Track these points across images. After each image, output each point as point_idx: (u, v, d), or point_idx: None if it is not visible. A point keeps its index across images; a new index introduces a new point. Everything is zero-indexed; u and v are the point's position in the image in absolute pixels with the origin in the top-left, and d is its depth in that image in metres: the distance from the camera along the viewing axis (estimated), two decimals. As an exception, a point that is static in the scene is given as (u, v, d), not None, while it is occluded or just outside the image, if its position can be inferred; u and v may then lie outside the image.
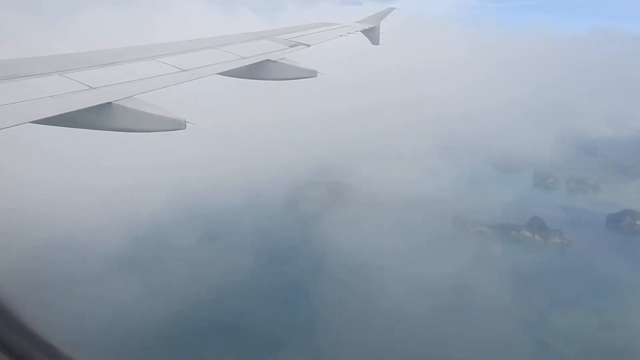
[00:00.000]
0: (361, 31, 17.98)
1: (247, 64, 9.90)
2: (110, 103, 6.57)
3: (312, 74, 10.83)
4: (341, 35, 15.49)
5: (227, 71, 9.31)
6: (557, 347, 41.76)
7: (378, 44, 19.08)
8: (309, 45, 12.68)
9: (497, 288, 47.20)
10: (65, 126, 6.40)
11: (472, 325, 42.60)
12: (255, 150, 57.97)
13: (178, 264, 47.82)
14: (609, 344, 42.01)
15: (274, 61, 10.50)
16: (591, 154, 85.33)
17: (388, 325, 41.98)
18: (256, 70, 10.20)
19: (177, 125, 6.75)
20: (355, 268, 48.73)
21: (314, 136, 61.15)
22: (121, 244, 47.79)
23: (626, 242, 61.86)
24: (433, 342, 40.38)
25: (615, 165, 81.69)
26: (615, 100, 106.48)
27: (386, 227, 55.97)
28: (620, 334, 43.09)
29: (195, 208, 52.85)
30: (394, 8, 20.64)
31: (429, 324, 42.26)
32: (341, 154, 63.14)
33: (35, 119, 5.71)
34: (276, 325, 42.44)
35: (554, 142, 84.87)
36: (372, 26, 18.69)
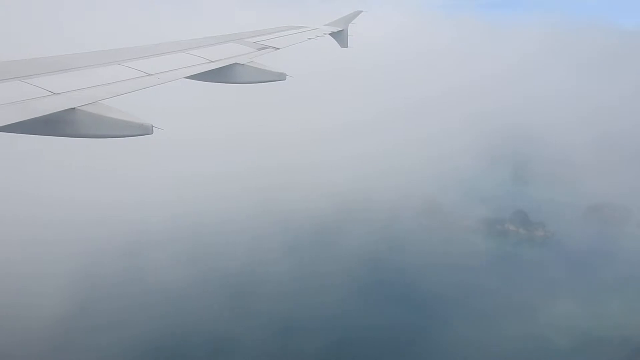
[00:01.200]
0: (329, 34, 18.02)
1: (215, 67, 9.80)
2: (74, 109, 6.41)
3: (281, 77, 10.78)
4: (309, 39, 15.49)
5: (194, 75, 9.20)
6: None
7: (347, 46, 19.17)
8: (277, 48, 12.62)
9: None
10: (27, 133, 6.22)
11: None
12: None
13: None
14: (597, 333, 43.38)
15: (243, 64, 10.40)
16: (570, 147, 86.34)
17: None
18: (224, 74, 10.09)
19: (144, 130, 6.62)
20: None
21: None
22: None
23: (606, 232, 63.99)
24: None
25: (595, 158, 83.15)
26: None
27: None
28: (606, 323, 44.56)
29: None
30: (361, 11, 20.75)
31: None
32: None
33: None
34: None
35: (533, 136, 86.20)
36: (340, 29, 18.75)
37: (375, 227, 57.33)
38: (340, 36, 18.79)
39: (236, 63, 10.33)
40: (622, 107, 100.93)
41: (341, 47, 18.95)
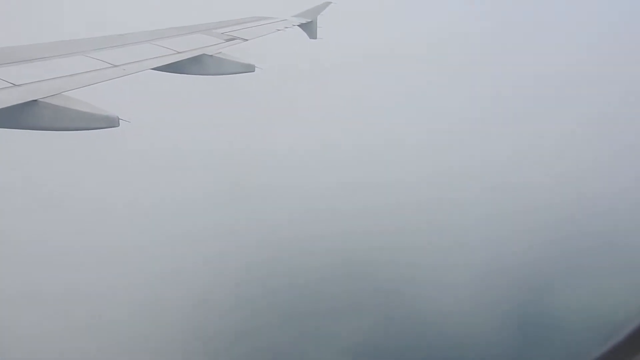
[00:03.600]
0: (298, 25, 18.02)
1: (182, 58, 9.72)
2: (36, 101, 6.29)
3: (249, 68, 10.81)
4: (278, 30, 15.46)
5: (161, 66, 9.11)
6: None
7: (315, 37, 19.23)
8: (246, 40, 12.57)
9: None
10: (-13, 126, 6.08)
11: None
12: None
13: None
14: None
15: (211, 55, 10.36)
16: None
17: None
18: (192, 65, 10.04)
19: (109, 122, 6.56)
20: None
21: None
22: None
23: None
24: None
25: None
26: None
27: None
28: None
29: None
30: (330, 2, 20.74)
31: None
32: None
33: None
34: None
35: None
36: (309, 20, 18.76)
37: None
38: (309, 28, 18.80)
39: (204, 54, 10.28)
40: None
41: (310, 38, 18.99)
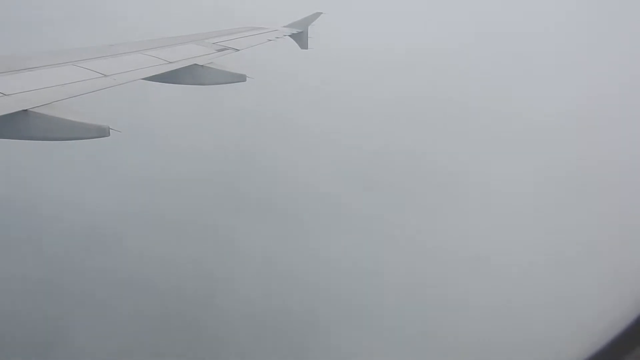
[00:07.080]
0: (289, 35, 18.11)
1: (173, 68, 9.73)
2: (26, 111, 6.26)
3: (241, 78, 10.82)
4: (269, 40, 15.52)
5: (152, 76, 9.11)
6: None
7: (307, 47, 19.33)
8: (237, 50, 12.61)
9: None
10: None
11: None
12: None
13: None
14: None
15: (202, 66, 10.38)
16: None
17: None
18: (183, 75, 10.05)
19: (100, 132, 6.54)
20: None
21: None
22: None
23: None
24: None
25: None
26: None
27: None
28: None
29: None
30: (321, 13, 20.88)
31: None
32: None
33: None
34: None
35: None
36: (300, 31, 18.86)
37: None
38: (300, 38, 18.90)
39: (195, 64, 10.29)
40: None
41: (301, 48, 19.09)
